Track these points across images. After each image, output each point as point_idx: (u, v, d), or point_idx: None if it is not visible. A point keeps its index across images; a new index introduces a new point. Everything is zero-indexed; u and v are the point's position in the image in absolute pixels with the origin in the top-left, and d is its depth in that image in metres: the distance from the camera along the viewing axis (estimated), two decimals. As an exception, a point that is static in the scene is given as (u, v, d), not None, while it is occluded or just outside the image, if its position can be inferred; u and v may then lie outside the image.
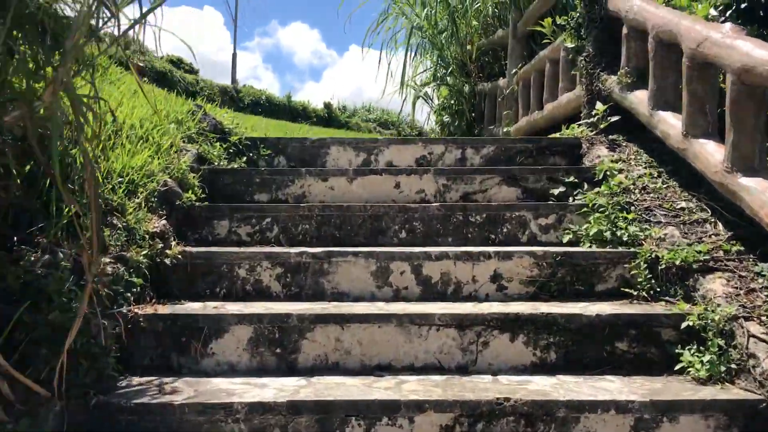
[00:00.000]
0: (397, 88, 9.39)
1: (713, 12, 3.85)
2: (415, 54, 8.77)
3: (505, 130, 6.61)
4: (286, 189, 3.73)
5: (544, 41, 5.70)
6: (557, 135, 4.53)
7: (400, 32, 9.07)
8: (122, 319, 2.44)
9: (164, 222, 3.02)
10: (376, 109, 32.81)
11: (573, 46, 4.71)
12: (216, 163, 3.83)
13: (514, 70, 6.61)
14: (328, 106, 25.57)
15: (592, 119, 4.22)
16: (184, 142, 3.81)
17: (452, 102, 8.35)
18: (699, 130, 3.09)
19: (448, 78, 8.29)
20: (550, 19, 5.59)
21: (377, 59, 8.87)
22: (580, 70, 4.59)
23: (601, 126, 4.14)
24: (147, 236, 2.85)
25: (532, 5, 6.25)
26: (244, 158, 4.04)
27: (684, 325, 2.45)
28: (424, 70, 9.12)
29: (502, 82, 7.16)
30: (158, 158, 3.36)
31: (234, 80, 26.06)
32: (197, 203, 3.35)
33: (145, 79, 18.95)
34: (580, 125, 4.36)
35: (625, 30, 4.01)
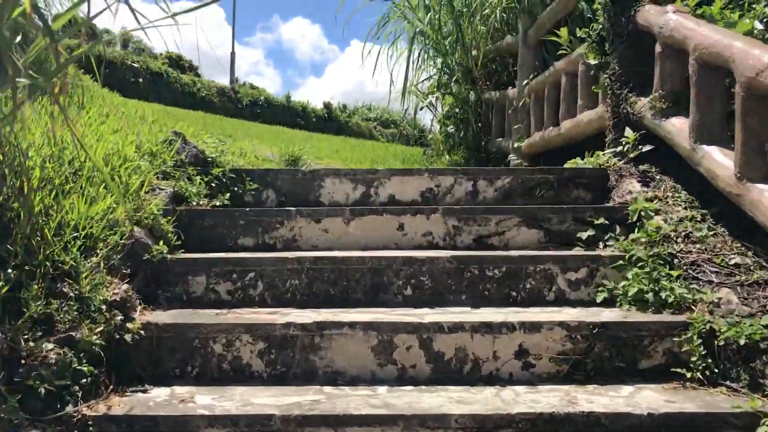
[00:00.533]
0: (399, 94, 8.93)
1: (759, 26, 3.39)
2: (418, 59, 8.29)
3: (515, 145, 6.14)
4: (274, 232, 3.27)
5: (560, 52, 5.22)
6: (580, 163, 4.06)
7: (401, 36, 8.60)
8: (66, 425, 1.98)
9: (126, 287, 2.56)
10: (376, 108, 32.35)
11: (596, 63, 4.23)
12: (195, 203, 3.36)
13: (525, 81, 6.13)
14: (327, 106, 25.10)
15: (620, 147, 3.75)
16: (158, 178, 3.34)
17: (457, 111, 7.87)
18: (757, 173, 2.61)
19: (453, 85, 7.80)
20: (566, 29, 5.11)
21: (378, 61, 8.40)
22: (604, 88, 4.11)
23: (631, 155, 3.67)
24: (104, 306, 2.39)
25: (545, 12, 5.76)
26: (228, 194, 3.57)
27: None
28: (428, 77, 8.65)
29: (511, 92, 6.68)
30: (125, 202, 2.90)
31: (232, 80, 25.57)
32: (170, 256, 2.88)
33: (141, 80, 18.46)
34: (605, 153, 3.89)
35: (658, 48, 3.53)
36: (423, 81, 8.65)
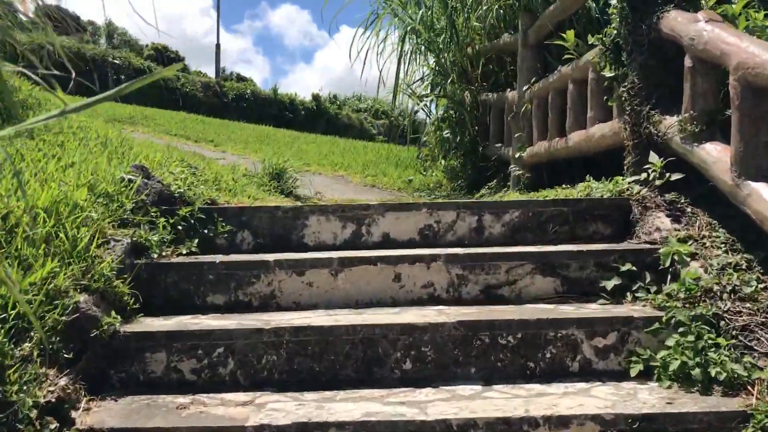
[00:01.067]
0: (389, 93, 8.48)
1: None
2: (410, 58, 7.81)
3: (517, 155, 5.68)
4: (250, 288, 2.82)
5: (566, 57, 4.76)
6: (595, 188, 3.61)
7: (393, 34, 8.11)
8: None
9: (65, 381, 2.10)
10: (367, 98, 31.83)
11: (611, 74, 3.78)
12: (157, 254, 2.90)
13: (526, 87, 5.67)
14: (316, 98, 24.56)
15: (643, 174, 3.30)
16: (114, 226, 2.87)
17: (452, 113, 7.41)
18: (824, 223, 2.18)
19: (448, 86, 7.33)
20: (572, 32, 4.64)
21: (368, 59, 7.89)
22: (621, 102, 3.66)
23: (657, 183, 3.23)
24: (35, 412, 1.94)
25: (547, 11, 5.29)
26: (197, 239, 3.11)
27: None
28: (421, 77, 8.17)
29: (510, 94, 6.22)
30: (71, 264, 2.44)
31: (218, 74, 24.96)
32: (124, 329, 2.43)
33: (123, 77, 17.86)
34: (626, 180, 3.45)
35: (688, 62, 3.08)
36: (416, 82, 8.18)
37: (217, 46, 26.35)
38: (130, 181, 3.15)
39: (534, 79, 5.63)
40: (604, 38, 3.84)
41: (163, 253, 2.92)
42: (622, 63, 3.68)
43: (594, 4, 5.10)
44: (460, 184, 7.06)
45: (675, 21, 3.21)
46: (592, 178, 4.40)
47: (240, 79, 66.56)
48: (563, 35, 4.71)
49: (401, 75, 7.80)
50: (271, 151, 8.50)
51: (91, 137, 3.94)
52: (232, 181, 4.44)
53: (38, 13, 1.67)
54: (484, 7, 6.54)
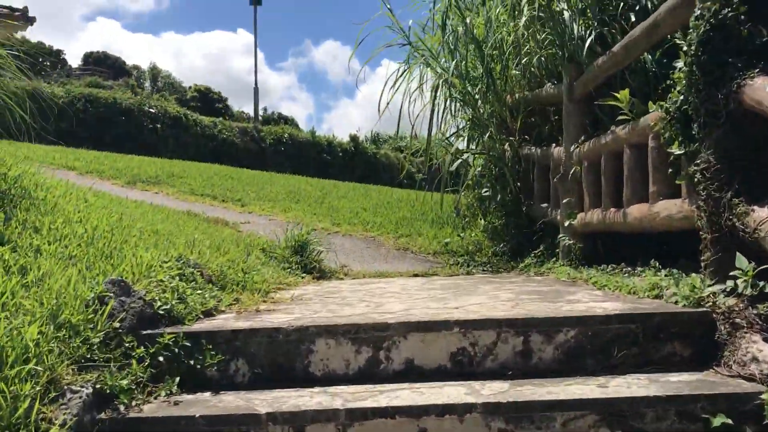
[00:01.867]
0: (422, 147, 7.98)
1: None
2: (443, 109, 7.27)
3: (566, 223, 5.05)
4: (238, 450, 2.25)
5: (620, 117, 4.16)
6: (668, 297, 2.97)
7: (427, 82, 7.59)
8: None
9: None
10: (405, 137, 31.41)
11: (680, 152, 3.15)
12: (126, 403, 2.36)
13: (574, 146, 5.06)
14: (354, 138, 24.25)
15: (729, 282, 2.66)
16: (75, 370, 2.35)
17: (492, 168, 6.82)
18: None
19: (485, 140, 6.75)
20: (626, 92, 4.04)
21: (401, 111, 7.35)
22: (693, 183, 3.03)
23: (747, 293, 2.58)
24: None
25: (596, 64, 4.69)
26: (182, 372, 2.57)
27: None
28: (456, 131, 7.62)
29: (556, 151, 5.60)
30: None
31: (257, 117, 24.90)
32: None
33: (159, 125, 17.83)
34: (707, 287, 2.79)
35: (785, 144, 2.46)
36: (452, 135, 7.64)
37: (256, 88, 26.39)
38: (102, 302, 2.64)
39: (583, 137, 5.01)
40: (668, 106, 3.23)
41: (135, 402, 2.38)
42: (692, 137, 3.06)
43: (650, 56, 4.49)
44: (503, 248, 6.43)
45: (762, 91, 2.58)
46: (659, 265, 3.77)
47: (281, 118, 67.08)
48: (616, 95, 4.11)
49: (434, 129, 7.26)
50: (300, 211, 8.03)
51: (77, 232, 3.46)
52: (241, 272, 3.92)
53: None
54: (524, 58, 5.97)
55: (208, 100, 66.08)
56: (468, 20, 6.65)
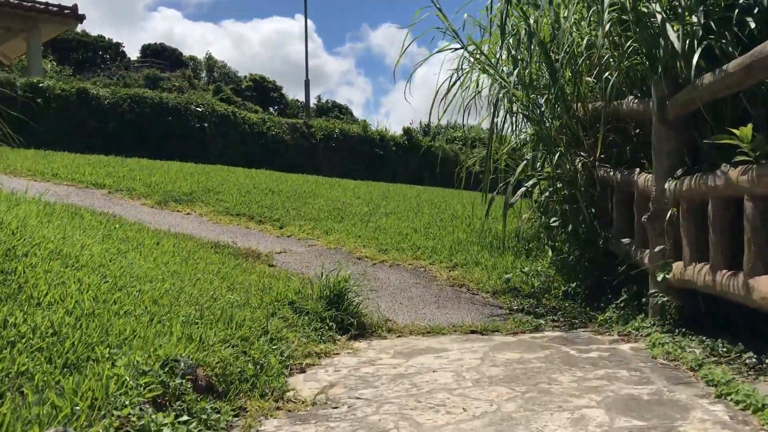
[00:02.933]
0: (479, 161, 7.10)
1: None
2: (502, 122, 6.34)
3: (659, 276, 4.08)
4: None
5: (739, 158, 3.18)
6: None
7: (482, 89, 6.66)
8: None
9: None
10: (460, 126, 30.37)
11: None
12: None
13: (668, 182, 4.08)
14: (407, 131, 23.33)
15: None
16: None
17: (561, 190, 5.86)
18: None
19: (554, 159, 5.78)
20: (749, 128, 3.07)
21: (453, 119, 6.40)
22: None
23: None
24: None
25: (699, 81, 3.69)
26: None
27: None
28: (520, 146, 6.68)
29: (641, 179, 4.62)
30: None
31: (308, 113, 24.23)
32: None
33: (206, 124, 17.32)
34: None
35: None
36: (513, 152, 6.71)
37: (306, 81, 25.73)
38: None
39: (680, 171, 4.04)
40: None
41: None
42: None
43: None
44: (575, 289, 5.47)
45: None
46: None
47: (335, 106, 66.53)
48: (734, 131, 3.13)
49: (493, 141, 6.33)
50: (343, 233, 7.24)
51: (39, 327, 2.72)
52: (252, 364, 3.14)
53: None
54: (601, 69, 4.98)
55: (263, 89, 66.08)
56: (532, 20, 5.68)
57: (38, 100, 14.73)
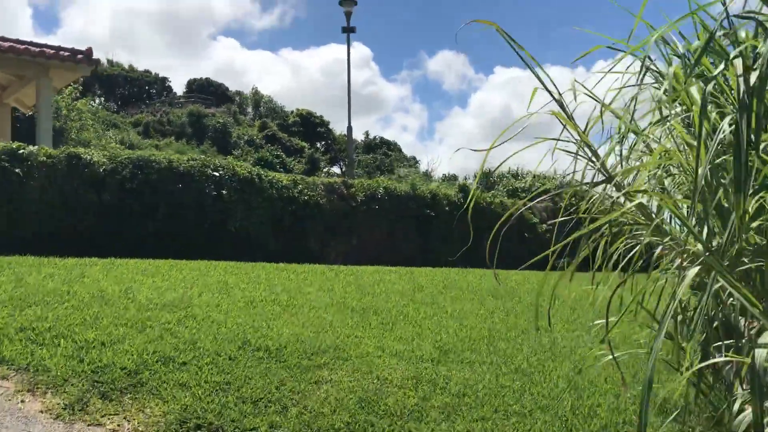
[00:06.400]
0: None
1: None
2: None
3: None
4: None
5: None
6: None
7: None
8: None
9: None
10: (524, 173, 27.22)
11: None
12: None
13: None
14: (463, 189, 20.24)
15: None
16: None
17: None
18: None
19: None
20: None
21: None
22: None
23: None
24: None
25: None
26: None
27: None
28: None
29: None
30: None
31: (351, 168, 21.38)
32: None
33: (224, 191, 14.55)
34: None
35: None
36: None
37: (349, 128, 22.94)
38: None
39: None
40: None
41: None
42: None
43: None
44: None
45: None
46: None
47: (383, 143, 63.85)
48: None
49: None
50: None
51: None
52: None
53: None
54: None
55: (310, 124, 63.68)
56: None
57: (16, 170, 12.18)
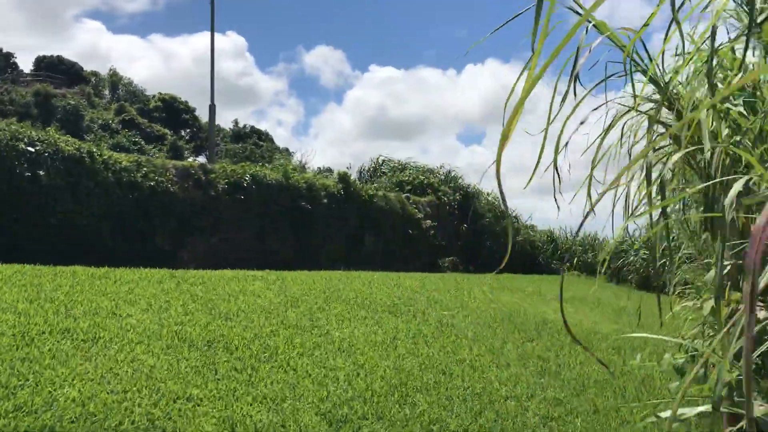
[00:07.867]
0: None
1: None
2: None
3: None
4: None
5: None
6: None
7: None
8: None
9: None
10: (408, 165, 25.10)
11: None
12: None
13: None
14: (343, 178, 17.75)
15: None
16: None
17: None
18: None
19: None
20: None
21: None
22: None
23: None
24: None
25: None
26: None
27: None
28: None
29: None
30: None
31: (212, 156, 18.26)
32: None
33: (41, 173, 11.12)
34: None
35: None
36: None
37: (212, 107, 19.76)
38: None
39: None
40: None
41: None
42: None
43: None
44: None
45: None
46: None
47: (254, 132, 59.82)
48: None
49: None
50: None
51: None
52: None
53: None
54: None
55: (174, 110, 58.36)
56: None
57: None
